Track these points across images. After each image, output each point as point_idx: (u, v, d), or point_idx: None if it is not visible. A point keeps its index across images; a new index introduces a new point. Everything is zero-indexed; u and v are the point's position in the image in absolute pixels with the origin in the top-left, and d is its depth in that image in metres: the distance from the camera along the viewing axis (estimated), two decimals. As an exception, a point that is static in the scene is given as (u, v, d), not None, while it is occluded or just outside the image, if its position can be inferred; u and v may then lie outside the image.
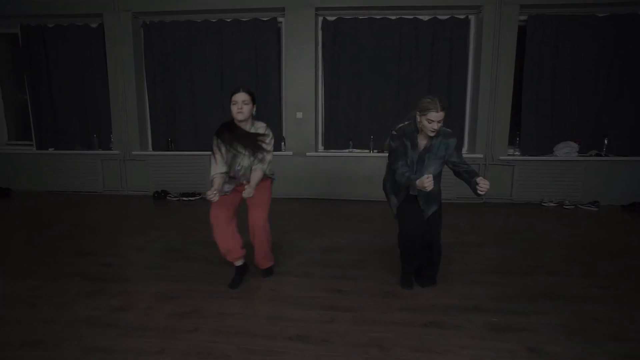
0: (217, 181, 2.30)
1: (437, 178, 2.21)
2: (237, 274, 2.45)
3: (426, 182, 1.98)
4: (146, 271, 2.63)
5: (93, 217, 4.10)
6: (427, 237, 2.30)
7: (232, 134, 2.32)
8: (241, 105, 2.24)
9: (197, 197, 4.99)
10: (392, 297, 2.23)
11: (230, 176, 2.41)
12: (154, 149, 5.27)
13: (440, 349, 1.73)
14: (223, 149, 2.35)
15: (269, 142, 2.36)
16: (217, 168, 2.34)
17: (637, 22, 4.43)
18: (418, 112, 2.13)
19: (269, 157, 2.37)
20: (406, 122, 2.25)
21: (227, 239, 2.31)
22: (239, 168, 2.36)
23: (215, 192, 2.14)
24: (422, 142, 2.20)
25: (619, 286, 2.39)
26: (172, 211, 4.39)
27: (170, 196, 5.01)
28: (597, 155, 4.68)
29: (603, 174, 4.64)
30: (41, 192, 5.22)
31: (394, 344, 1.77)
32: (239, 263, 2.44)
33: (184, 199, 4.94)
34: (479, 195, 2.05)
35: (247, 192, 2.17)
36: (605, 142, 4.67)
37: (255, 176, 2.28)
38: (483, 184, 2.02)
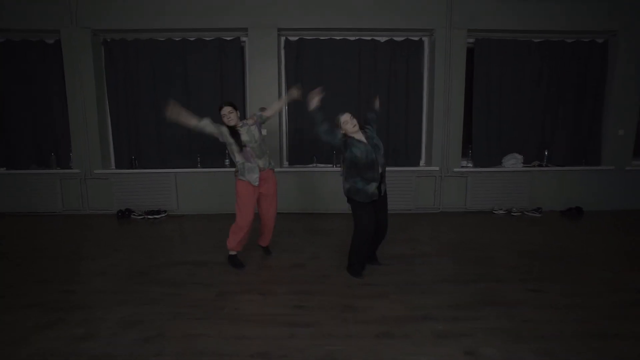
0: (192, 121, 3.00)
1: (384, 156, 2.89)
2: (236, 258, 3.21)
3: (314, 94, 2.80)
4: (109, 296, 2.64)
5: (52, 239, 4.00)
6: (382, 217, 2.90)
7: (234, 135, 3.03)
8: (229, 116, 2.99)
9: (163, 215, 4.97)
10: (349, 311, 2.39)
11: (244, 159, 3.05)
12: (117, 167, 5.19)
13: (388, 357, 1.91)
14: (228, 135, 3.03)
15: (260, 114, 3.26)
16: (206, 124, 3.03)
17: (567, 48, 4.96)
18: (340, 129, 2.83)
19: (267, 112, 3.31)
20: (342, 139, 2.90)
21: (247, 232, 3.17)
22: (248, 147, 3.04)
23: (178, 112, 2.93)
24: (361, 138, 2.82)
25: (550, 289, 2.70)
26: (137, 231, 4.35)
27: (134, 214, 4.95)
28: (539, 165, 5.15)
29: (544, 183, 5.11)
30: (-7, 214, 5.00)
31: (348, 356, 1.93)
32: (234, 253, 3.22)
33: (149, 217, 4.90)
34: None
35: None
36: (546, 153, 5.15)
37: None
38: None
